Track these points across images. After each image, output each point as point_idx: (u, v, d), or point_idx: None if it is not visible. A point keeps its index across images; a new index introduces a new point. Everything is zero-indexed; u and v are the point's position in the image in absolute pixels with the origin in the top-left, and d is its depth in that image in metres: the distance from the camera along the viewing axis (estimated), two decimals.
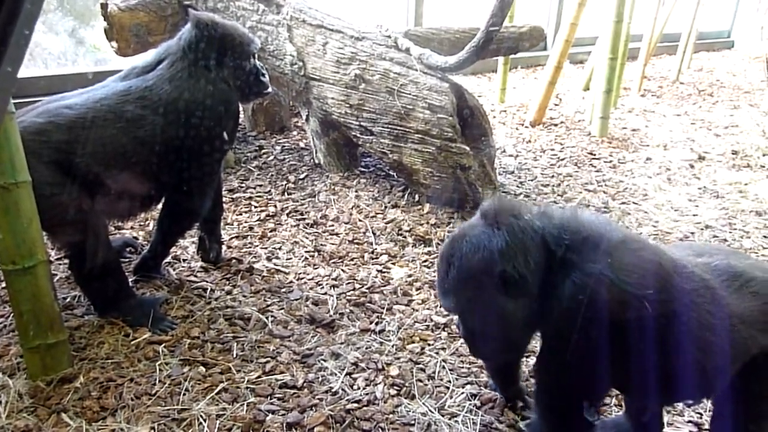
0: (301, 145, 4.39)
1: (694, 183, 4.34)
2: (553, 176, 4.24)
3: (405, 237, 3.27)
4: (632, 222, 3.64)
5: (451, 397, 2.13)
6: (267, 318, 2.53)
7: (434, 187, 3.51)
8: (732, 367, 1.59)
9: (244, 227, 3.29)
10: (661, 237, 3.47)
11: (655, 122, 5.69)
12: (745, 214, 3.84)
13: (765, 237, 3.55)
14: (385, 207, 3.57)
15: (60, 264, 2.80)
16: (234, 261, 2.97)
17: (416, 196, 3.64)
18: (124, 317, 2.46)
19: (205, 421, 1.95)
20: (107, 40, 3.90)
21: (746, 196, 4.13)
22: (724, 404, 1.72)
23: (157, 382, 2.15)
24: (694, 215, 3.79)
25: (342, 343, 2.41)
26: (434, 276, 2.93)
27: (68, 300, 2.61)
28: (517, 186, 4.02)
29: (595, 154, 4.74)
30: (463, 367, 2.29)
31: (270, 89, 2.77)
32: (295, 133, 4.63)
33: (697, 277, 1.55)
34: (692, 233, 3.53)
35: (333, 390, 2.13)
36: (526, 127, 5.28)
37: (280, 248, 3.11)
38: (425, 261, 3.06)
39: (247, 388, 2.13)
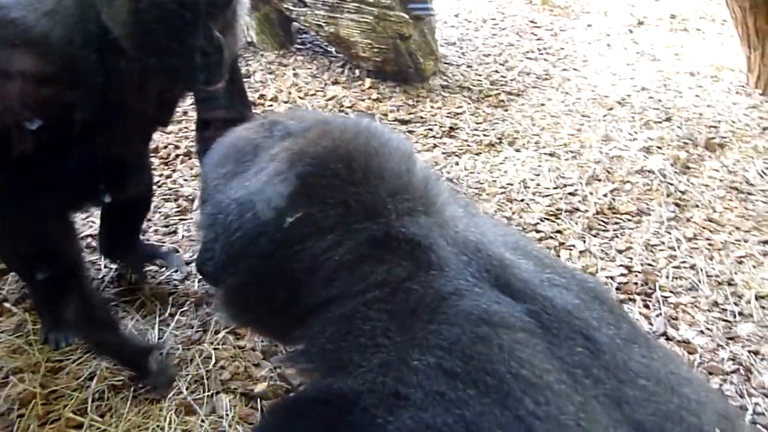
0: None
1: (632, 47, 4.36)
2: (494, 46, 4.17)
3: (347, 113, 3.20)
4: (572, 87, 3.66)
5: None
6: None
7: (374, 60, 3.40)
8: None
9: (177, 113, 3.14)
10: (600, 100, 3.52)
11: None
12: (680, 76, 3.92)
13: (696, 96, 3.65)
14: (325, 84, 3.45)
15: None
16: (171, 146, 2.85)
17: (356, 71, 3.53)
18: None
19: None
20: None
21: (681, 59, 4.20)
22: None
23: None
24: (631, 78, 3.84)
25: None
26: None
27: None
28: (459, 56, 3.94)
29: (536, 23, 4.66)
30: None
31: None
32: None
33: None
34: (629, 95, 3.59)
35: None
36: None
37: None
38: None
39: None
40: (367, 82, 3.45)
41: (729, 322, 2.04)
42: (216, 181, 0.86)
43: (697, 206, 2.65)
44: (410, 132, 3.07)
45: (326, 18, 3.38)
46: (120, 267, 2.09)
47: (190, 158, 2.76)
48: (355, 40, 3.37)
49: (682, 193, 2.72)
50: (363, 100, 3.31)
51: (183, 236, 2.29)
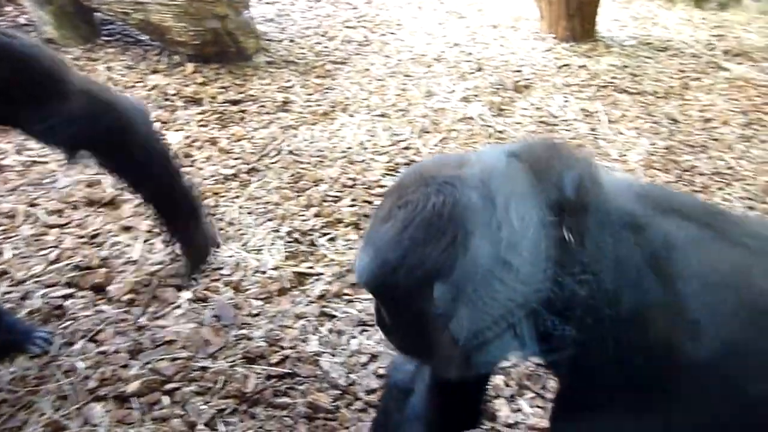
0: (21, 21, 3.72)
1: (440, 8, 4.65)
2: (313, 18, 4.22)
3: (173, 101, 3.08)
4: (392, 50, 3.85)
5: (254, 236, 2.21)
6: (37, 211, 2.29)
7: (193, 44, 3.29)
8: None
9: None
10: (418, 59, 3.74)
11: None
12: (484, 29, 4.28)
13: (501, 46, 4.03)
14: (144, 74, 3.28)
15: None
16: None
17: (176, 57, 3.39)
18: None
19: None
20: None
21: (484, 14, 4.57)
22: None
23: None
24: (443, 36, 4.12)
25: (131, 217, 2.30)
26: (214, 133, 2.86)
27: None
28: (280, 32, 3.94)
29: None
30: (259, 208, 2.36)
31: None
32: (10, 8, 3.88)
33: None
34: (443, 52, 3.86)
35: (132, 260, 2.07)
36: None
37: (29, 139, 2.73)
38: (200, 121, 2.95)
39: (34, 282, 1.97)
40: (189, 66, 3.34)
41: None
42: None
43: (515, 142, 2.96)
44: (243, 111, 3.04)
45: (133, 4, 3.19)
46: None
47: (2, 172, 2.50)
48: (168, 25, 3.23)
49: (501, 132, 3.03)
50: (188, 85, 3.20)
51: (12, 255, 2.09)
